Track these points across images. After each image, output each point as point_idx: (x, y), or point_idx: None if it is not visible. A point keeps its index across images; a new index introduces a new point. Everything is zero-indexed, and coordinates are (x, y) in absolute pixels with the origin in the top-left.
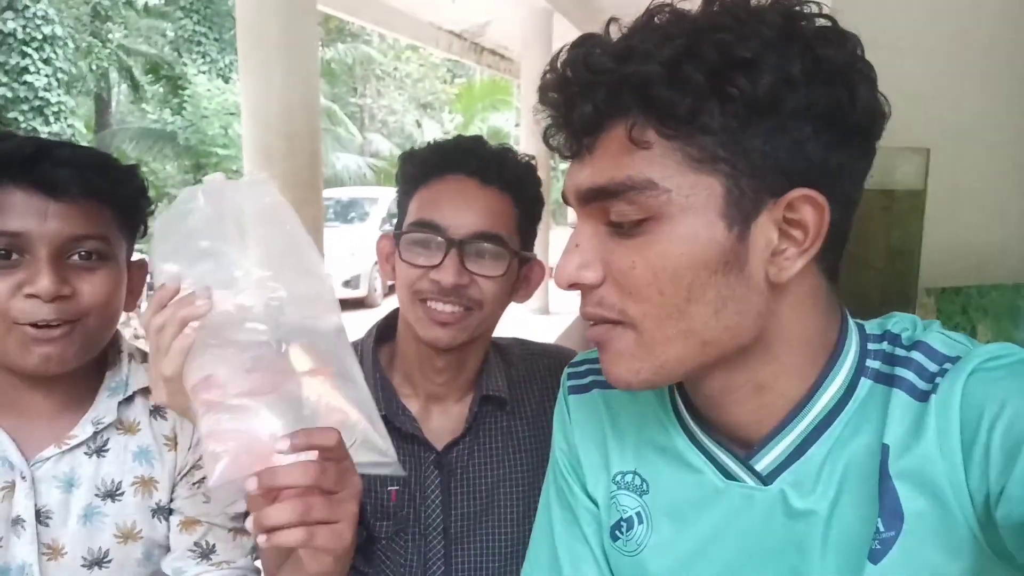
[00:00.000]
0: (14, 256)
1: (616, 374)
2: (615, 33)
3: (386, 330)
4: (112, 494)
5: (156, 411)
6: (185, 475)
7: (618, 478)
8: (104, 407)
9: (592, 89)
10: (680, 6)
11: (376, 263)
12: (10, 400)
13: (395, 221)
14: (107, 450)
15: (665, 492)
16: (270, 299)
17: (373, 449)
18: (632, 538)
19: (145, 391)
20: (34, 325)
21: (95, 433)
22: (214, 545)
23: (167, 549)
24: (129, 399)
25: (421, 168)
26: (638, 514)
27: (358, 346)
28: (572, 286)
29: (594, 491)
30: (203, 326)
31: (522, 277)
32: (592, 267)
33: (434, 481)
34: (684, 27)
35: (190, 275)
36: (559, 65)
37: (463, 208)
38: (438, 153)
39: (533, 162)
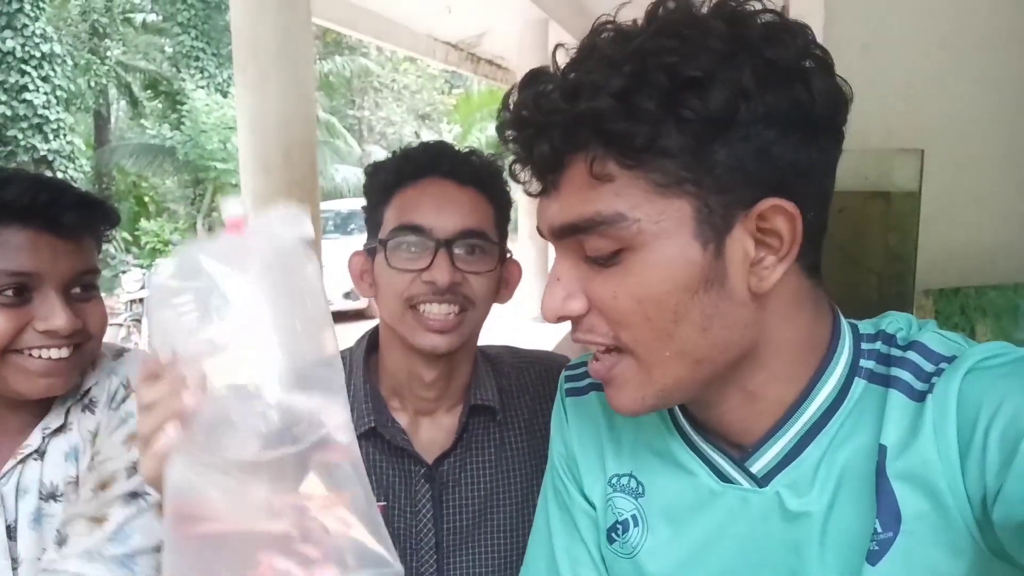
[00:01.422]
0: (25, 294)
1: (622, 403)
2: (563, 59)
3: (374, 341)
4: (53, 495)
5: (87, 407)
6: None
7: (614, 481)
8: (55, 414)
9: (547, 129)
10: (625, 18)
11: None
12: None
13: (366, 236)
14: (46, 452)
15: (661, 495)
16: (287, 404)
17: (380, 563)
18: (628, 541)
19: (87, 392)
20: (39, 355)
21: (43, 439)
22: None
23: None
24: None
25: (394, 176)
26: (633, 517)
27: (346, 356)
28: (560, 319)
29: (591, 493)
30: (197, 425)
31: (502, 276)
32: (576, 298)
33: (425, 495)
34: (629, 51)
35: (187, 350)
36: (511, 106)
37: (446, 208)
38: (410, 159)
39: (500, 163)
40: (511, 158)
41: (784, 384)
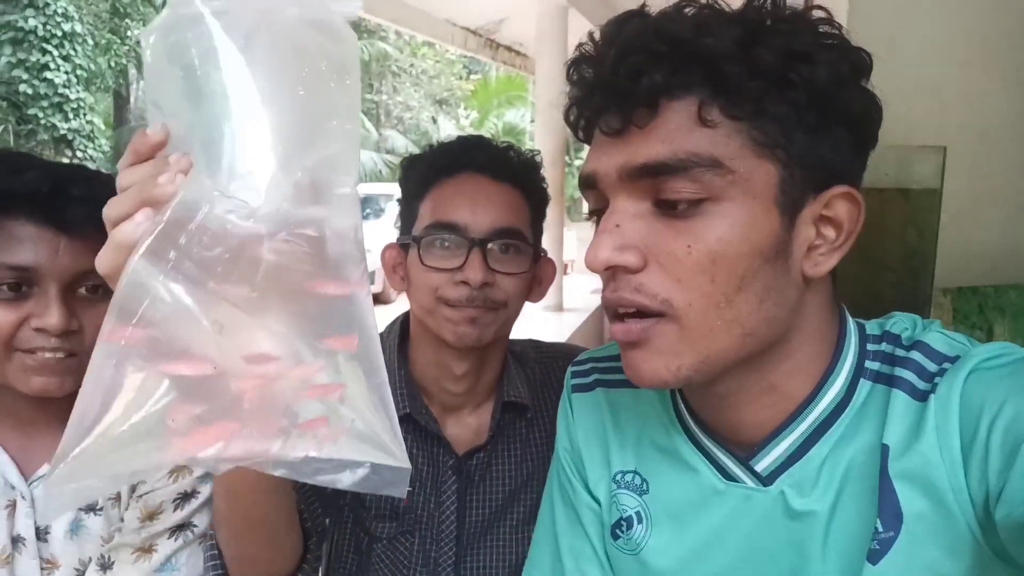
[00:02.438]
0: (23, 288)
1: (651, 371)
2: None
3: (406, 329)
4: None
5: None
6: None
7: (618, 477)
8: None
9: (660, 60)
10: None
11: None
12: (11, 419)
13: (400, 228)
14: None
15: (665, 492)
16: (293, 216)
17: (384, 449)
18: (632, 537)
19: None
20: (31, 351)
21: None
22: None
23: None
24: None
25: (429, 170)
26: (637, 514)
27: (380, 337)
28: (609, 269)
29: (596, 490)
30: (176, 218)
31: (535, 275)
32: (634, 249)
33: (451, 487)
34: (741, 16)
35: (179, 126)
36: (613, 35)
37: (481, 205)
38: (446, 153)
39: (538, 157)
40: (572, 100)
41: (801, 378)
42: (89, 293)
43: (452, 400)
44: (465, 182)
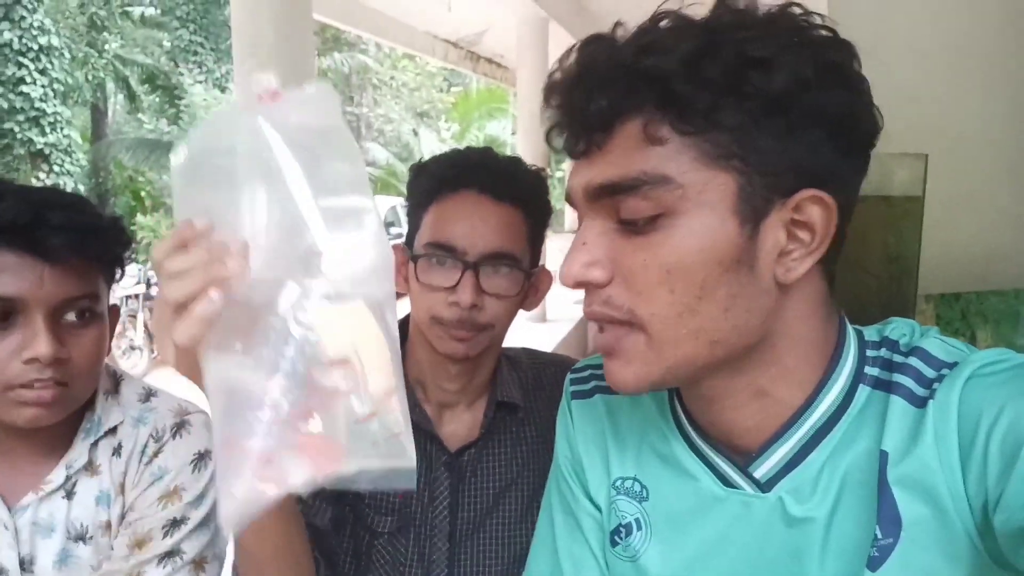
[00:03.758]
0: (8, 319)
1: (623, 378)
2: (621, 36)
3: (404, 330)
4: (83, 537)
5: (116, 450)
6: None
7: (618, 483)
8: (78, 450)
9: (609, 83)
10: (633, 18)
11: None
12: None
13: (406, 232)
14: (75, 492)
15: (664, 499)
16: (335, 270)
17: (395, 449)
18: (631, 544)
19: (112, 431)
20: (27, 386)
21: (67, 477)
22: None
23: None
24: (97, 440)
25: (434, 183)
26: (636, 520)
27: None
28: (578, 285)
29: (596, 496)
30: (234, 291)
31: (531, 285)
32: (600, 265)
33: (444, 483)
34: (699, 27)
35: (224, 217)
36: (573, 61)
37: (478, 227)
38: (451, 167)
39: (543, 173)
40: (549, 124)
41: (793, 384)
42: (76, 319)
43: (448, 397)
44: (466, 201)
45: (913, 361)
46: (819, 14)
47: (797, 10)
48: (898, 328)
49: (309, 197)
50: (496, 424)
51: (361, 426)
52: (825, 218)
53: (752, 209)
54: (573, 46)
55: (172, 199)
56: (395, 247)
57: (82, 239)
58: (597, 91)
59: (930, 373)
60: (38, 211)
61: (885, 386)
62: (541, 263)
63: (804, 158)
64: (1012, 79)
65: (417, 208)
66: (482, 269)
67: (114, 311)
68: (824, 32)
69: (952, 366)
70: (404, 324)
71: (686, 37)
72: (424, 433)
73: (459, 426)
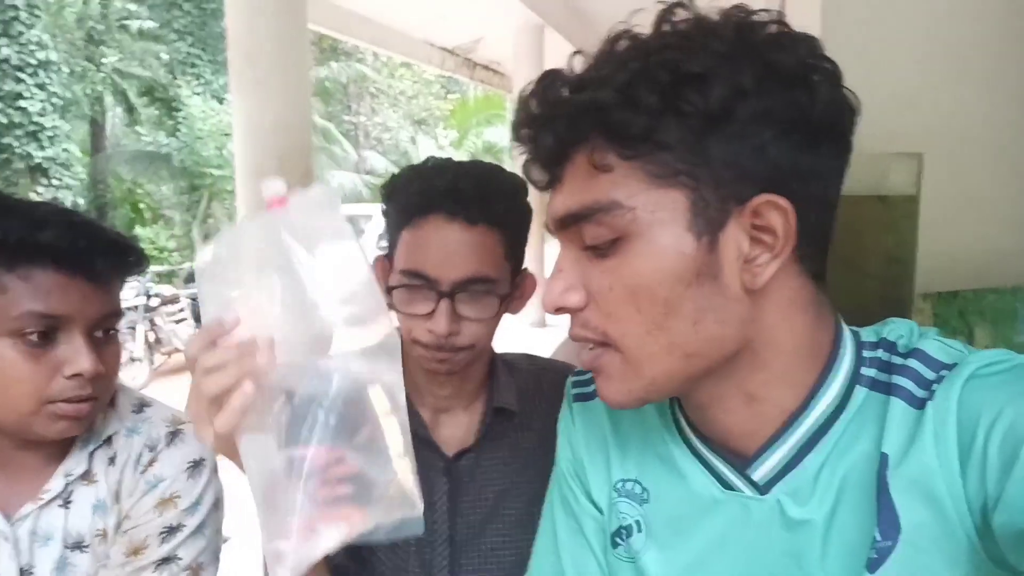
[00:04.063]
0: (50, 337)
1: (609, 396)
2: (580, 65)
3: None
4: (79, 545)
5: (111, 459)
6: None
7: (619, 486)
8: (76, 459)
9: (553, 121)
10: (641, 29)
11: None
12: None
13: (387, 242)
14: (72, 501)
15: (665, 502)
16: (347, 352)
17: (407, 504)
18: (631, 546)
19: (108, 441)
20: (67, 400)
21: (65, 485)
22: None
23: None
24: (94, 449)
25: (404, 208)
26: (637, 522)
27: None
28: (558, 310)
29: (598, 498)
30: (263, 381)
31: (515, 291)
32: (575, 290)
33: (442, 488)
34: (636, 50)
35: (247, 311)
36: (528, 100)
37: (450, 255)
38: (419, 194)
39: (522, 186)
40: (524, 158)
41: (785, 388)
42: (104, 335)
43: (442, 402)
44: (437, 228)
45: (912, 363)
46: (768, 10)
47: (752, 13)
48: (896, 329)
49: (318, 289)
50: (493, 430)
51: (381, 489)
52: (783, 221)
53: (707, 222)
54: (529, 83)
55: (196, 291)
56: (377, 259)
57: (122, 261)
58: (546, 129)
59: (929, 374)
60: (86, 235)
61: (885, 388)
62: (525, 268)
63: (754, 164)
64: (1008, 78)
65: (392, 228)
66: (458, 296)
67: None
68: (774, 30)
69: (951, 367)
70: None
71: (624, 63)
72: (420, 439)
73: (456, 430)
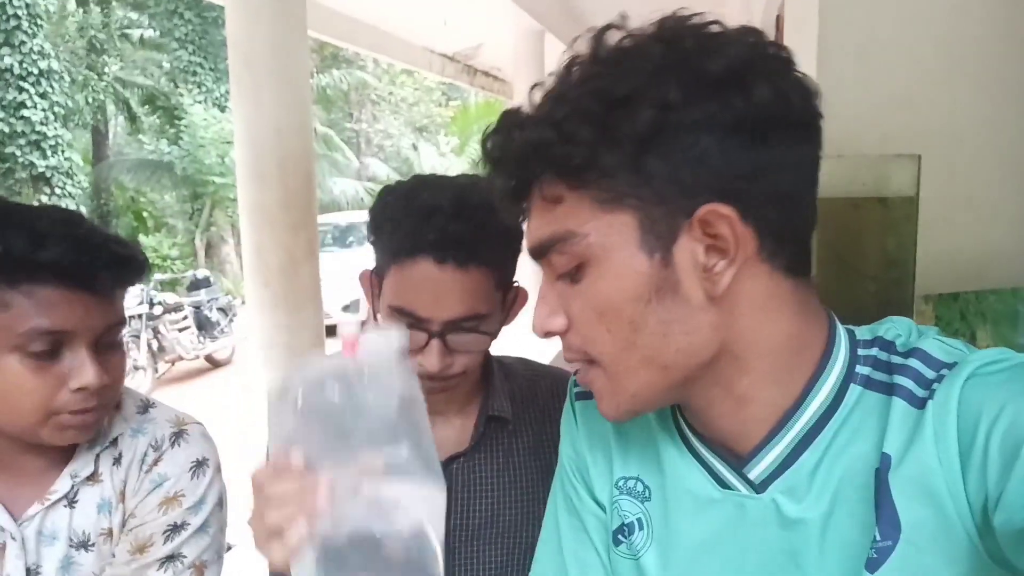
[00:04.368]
0: (56, 351)
1: (604, 410)
2: (539, 97)
3: None
4: (85, 544)
5: (116, 460)
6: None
7: (620, 483)
8: (83, 460)
9: (507, 163)
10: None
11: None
12: (1, 461)
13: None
14: (77, 501)
15: (665, 500)
16: (401, 492)
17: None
18: (633, 543)
19: (113, 442)
20: (73, 412)
21: (72, 486)
22: None
23: None
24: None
25: (392, 248)
26: (639, 520)
27: None
28: (546, 335)
29: (600, 495)
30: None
31: (507, 303)
32: (557, 315)
33: None
34: (572, 82)
35: (311, 452)
36: (483, 145)
37: (441, 297)
38: (408, 236)
39: (514, 230)
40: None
41: (773, 387)
42: (108, 345)
43: (437, 406)
44: (425, 271)
45: (912, 362)
46: (690, 12)
47: (687, 19)
48: (893, 328)
49: (379, 433)
50: (487, 437)
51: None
52: (729, 228)
53: (657, 238)
54: (490, 126)
55: (197, 298)
56: (362, 274)
57: (125, 273)
58: (502, 171)
59: (930, 374)
60: (88, 250)
61: (885, 388)
62: (516, 282)
63: (694, 176)
64: (1006, 79)
65: (380, 254)
66: (449, 334)
67: None
68: (707, 34)
69: (951, 366)
70: None
71: (563, 96)
72: None
73: (451, 431)
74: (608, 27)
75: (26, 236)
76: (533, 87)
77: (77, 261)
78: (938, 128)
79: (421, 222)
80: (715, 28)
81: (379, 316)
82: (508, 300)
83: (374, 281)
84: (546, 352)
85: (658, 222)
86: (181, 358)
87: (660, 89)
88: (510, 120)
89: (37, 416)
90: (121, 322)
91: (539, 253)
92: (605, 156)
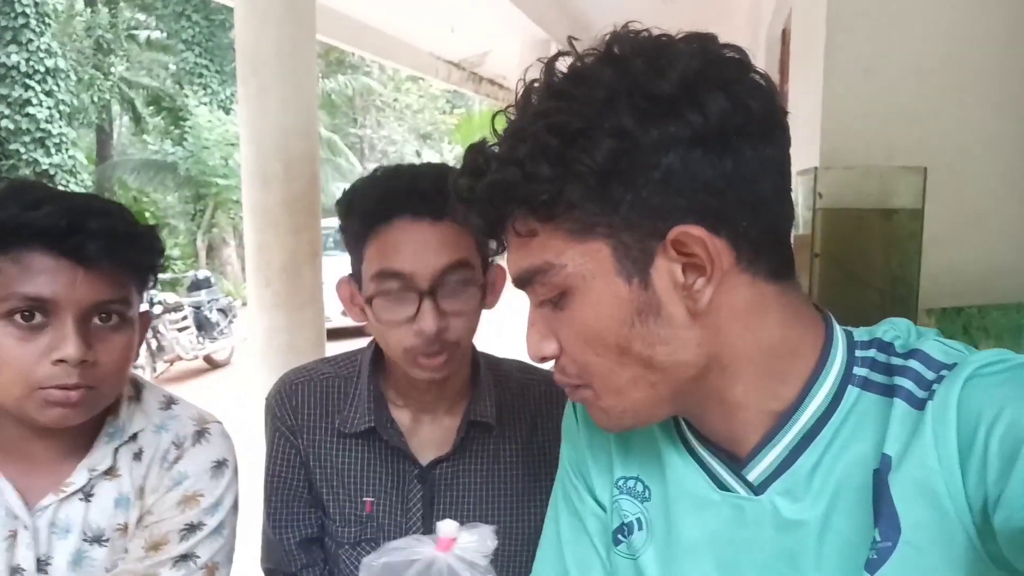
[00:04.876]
0: (38, 317)
1: (600, 423)
2: (502, 125)
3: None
4: (99, 539)
5: (136, 455)
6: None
7: (620, 483)
8: (100, 454)
9: (477, 203)
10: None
11: None
12: (15, 448)
13: (351, 263)
14: (93, 495)
15: (664, 500)
16: None
17: None
18: (632, 543)
19: (133, 437)
20: (55, 387)
21: (88, 480)
22: None
23: None
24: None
25: (367, 218)
26: (638, 520)
27: (358, 357)
28: (541, 359)
29: (600, 495)
30: None
31: (487, 282)
32: (548, 340)
33: (417, 493)
34: (529, 116)
35: None
36: (454, 184)
37: (422, 250)
38: (379, 202)
39: None
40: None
41: (766, 392)
42: (102, 323)
43: (426, 403)
44: (404, 229)
45: (912, 363)
46: (639, 27)
47: (636, 34)
48: (892, 329)
49: None
50: (470, 440)
51: None
52: (701, 247)
53: (633, 263)
54: (458, 164)
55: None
56: (341, 282)
57: (117, 245)
58: (473, 211)
59: (929, 375)
60: (75, 216)
61: (885, 389)
62: (493, 260)
63: (661, 199)
64: (1012, 93)
65: (356, 242)
66: (439, 292)
67: (144, 318)
68: (655, 50)
69: (951, 367)
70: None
71: (523, 133)
72: (393, 450)
73: (439, 432)
74: (558, 55)
75: (17, 201)
76: (495, 115)
77: (65, 228)
78: (944, 143)
79: (389, 184)
80: (664, 41)
81: (363, 318)
82: (488, 277)
83: (352, 286)
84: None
85: (631, 247)
86: (180, 358)
87: (613, 118)
88: (475, 160)
89: (20, 389)
90: (118, 300)
91: (522, 284)
92: (569, 190)
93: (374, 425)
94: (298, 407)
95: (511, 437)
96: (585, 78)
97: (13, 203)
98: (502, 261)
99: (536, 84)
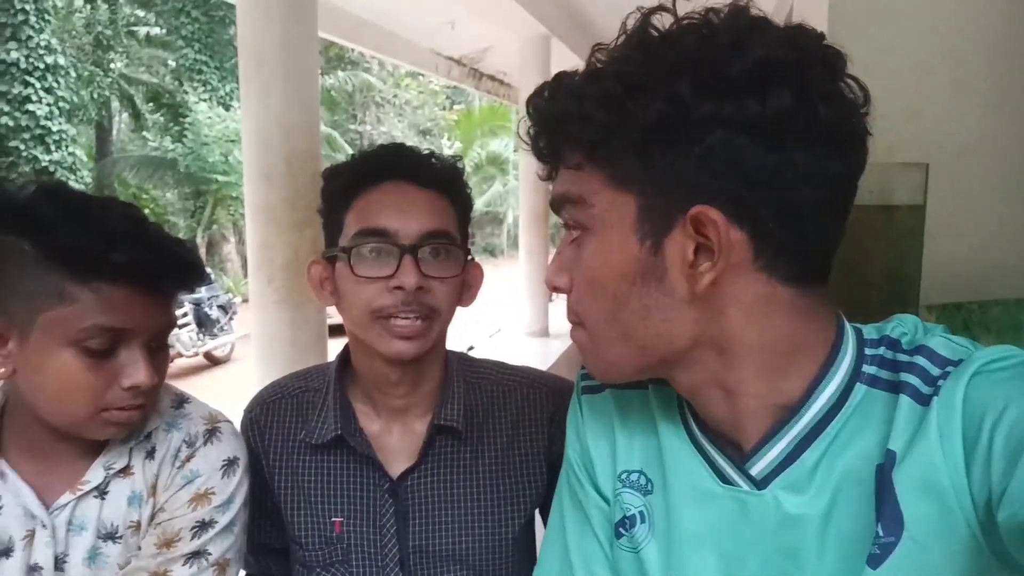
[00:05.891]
0: (110, 346)
1: (589, 370)
2: (597, 57)
3: (346, 354)
4: (112, 536)
5: (149, 453)
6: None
7: (623, 476)
8: (116, 452)
9: (540, 126)
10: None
11: None
12: (34, 448)
13: (325, 241)
14: (108, 492)
15: (666, 493)
16: None
17: None
18: (634, 536)
19: (147, 435)
20: (121, 409)
21: (105, 477)
22: None
23: None
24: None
25: (353, 180)
26: (640, 513)
27: (327, 369)
28: (553, 289)
29: (604, 488)
30: None
31: (464, 280)
32: (563, 274)
33: (389, 509)
34: (595, 66)
35: None
36: (527, 104)
37: (409, 211)
38: (368, 163)
39: (460, 164)
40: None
41: (765, 384)
42: (159, 345)
43: (397, 403)
44: (391, 190)
45: (919, 360)
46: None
47: (742, 9)
48: (900, 326)
49: None
50: (440, 448)
51: None
52: (715, 233)
53: (652, 227)
54: (538, 87)
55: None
56: (312, 263)
57: (185, 276)
58: (537, 134)
59: (935, 371)
60: (163, 256)
61: (891, 386)
62: (472, 257)
63: (696, 174)
64: (1014, 88)
65: (337, 211)
66: (420, 251)
67: None
68: (745, 25)
69: (957, 363)
70: (347, 347)
71: (595, 72)
72: (362, 461)
73: (407, 438)
74: (656, 9)
75: (99, 235)
76: (595, 48)
77: (148, 264)
78: (945, 139)
79: (376, 154)
80: (763, 24)
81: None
82: (467, 273)
83: (324, 267)
84: (550, 353)
85: (655, 212)
86: (180, 355)
87: (673, 83)
88: (553, 85)
89: (87, 411)
90: (172, 323)
91: (557, 206)
92: (615, 139)
93: (341, 433)
94: (265, 427)
95: (488, 443)
96: (670, 39)
97: (91, 234)
98: (480, 260)
99: (634, 33)
